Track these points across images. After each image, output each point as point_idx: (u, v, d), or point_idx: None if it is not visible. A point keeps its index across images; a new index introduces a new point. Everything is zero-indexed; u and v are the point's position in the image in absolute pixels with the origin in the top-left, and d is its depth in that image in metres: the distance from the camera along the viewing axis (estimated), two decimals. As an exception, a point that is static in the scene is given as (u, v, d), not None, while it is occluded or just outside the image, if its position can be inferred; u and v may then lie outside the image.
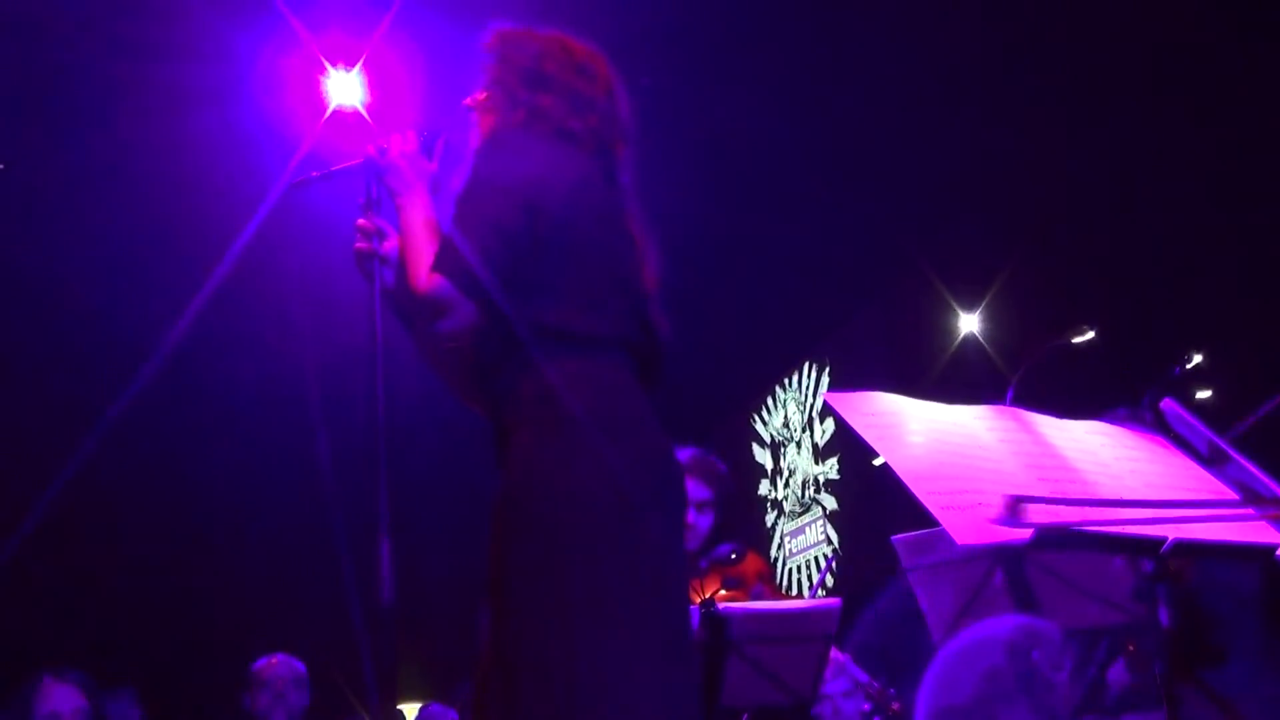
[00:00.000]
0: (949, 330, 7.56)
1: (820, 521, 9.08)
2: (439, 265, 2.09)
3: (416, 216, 2.18)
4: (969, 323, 7.43)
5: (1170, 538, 1.93)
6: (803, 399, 9.52)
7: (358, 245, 2.23)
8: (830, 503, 8.97)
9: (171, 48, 5.83)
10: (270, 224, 5.35)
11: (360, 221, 2.24)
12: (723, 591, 3.73)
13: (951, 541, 1.83)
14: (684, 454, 3.78)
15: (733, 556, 3.80)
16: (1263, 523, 2.09)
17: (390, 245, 2.28)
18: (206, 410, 7.78)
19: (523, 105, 2.29)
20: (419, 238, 2.15)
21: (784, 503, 9.72)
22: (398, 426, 2.06)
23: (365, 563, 1.93)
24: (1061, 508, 1.87)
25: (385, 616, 1.85)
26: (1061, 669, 2.21)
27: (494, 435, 2.19)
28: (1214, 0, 5.35)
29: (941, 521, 1.78)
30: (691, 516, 3.81)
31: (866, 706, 4.02)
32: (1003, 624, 2.34)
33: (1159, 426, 2.40)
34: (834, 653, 3.87)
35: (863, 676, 4.06)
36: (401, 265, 2.15)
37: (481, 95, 2.36)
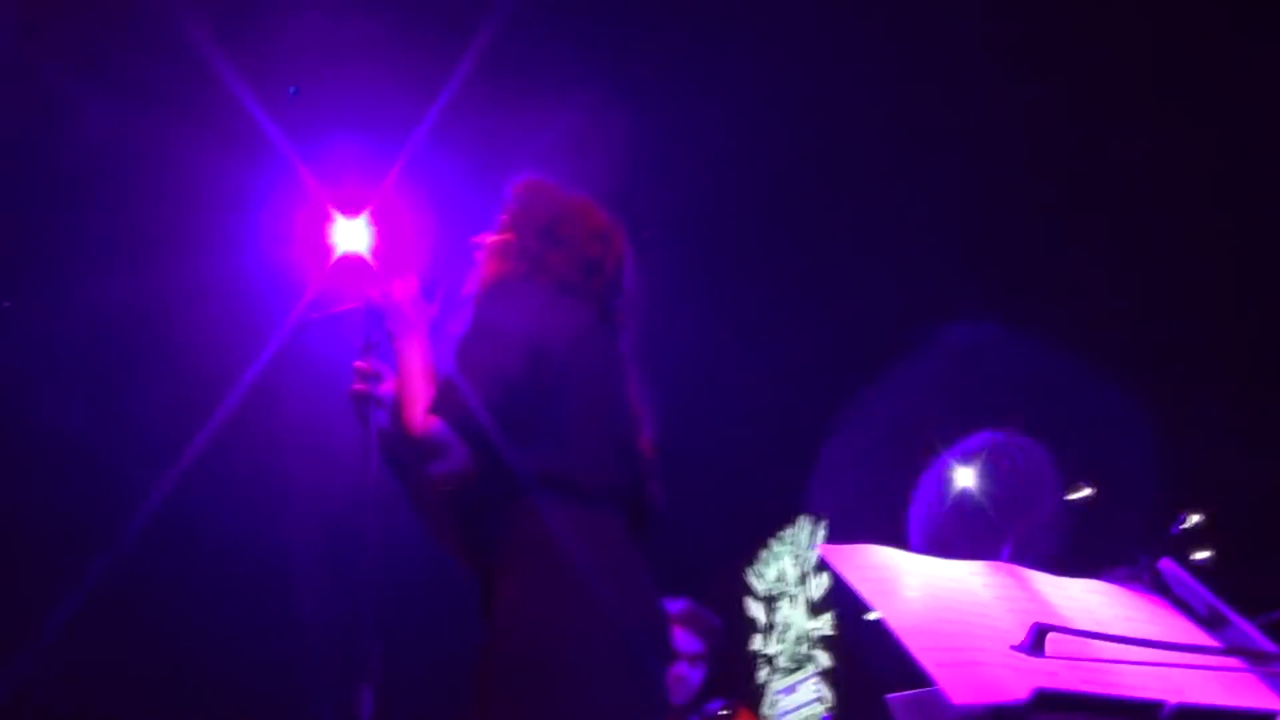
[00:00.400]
0: (944, 484, 7.54)
1: (814, 680, 8.89)
2: (436, 408, 2.09)
3: (414, 359, 2.20)
4: (965, 477, 7.42)
5: (1170, 701, 1.89)
6: (798, 553, 9.43)
7: (354, 387, 2.24)
8: (824, 659, 8.81)
9: (180, 195, 5.97)
10: (270, 368, 5.39)
11: (358, 363, 2.26)
12: None
13: (947, 701, 1.79)
14: (676, 605, 3.73)
15: (724, 713, 3.72)
16: (1264, 686, 2.05)
17: (387, 388, 2.28)
18: (194, 553, 7.69)
19: (533, 258, 2.32)
20: (415, 380, 2.16)
21: (777, 659, 9.54)
22: (386, 570, 2.04)
23: (345, 711, 1.88)
24: (1059, 667, 1.83)
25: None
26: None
27: (479, 583, 2.16)
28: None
29: (937, 680, 1.74)
30: (683, 669, 3.74)
31: None
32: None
33: (1157, 587, 2.37)
34: None
35: None
36: (396, 406, 2.15)
37: (492, 238, 2.39)
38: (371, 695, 1.82)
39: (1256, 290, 5.45)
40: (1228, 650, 2.13)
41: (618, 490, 2.20)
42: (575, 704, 1.97)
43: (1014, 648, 1.84)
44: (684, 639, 3.66)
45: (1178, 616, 2.26)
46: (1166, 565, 2.37)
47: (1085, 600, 2.14)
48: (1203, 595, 2.31)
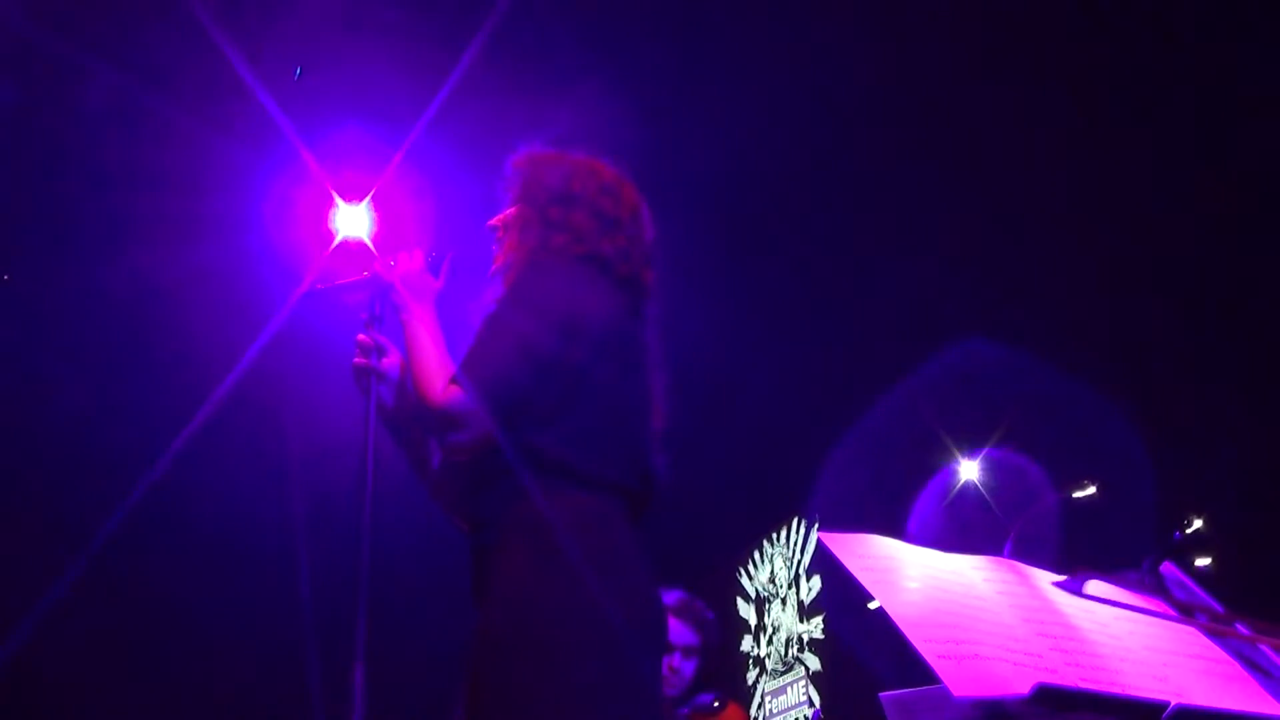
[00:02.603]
0: (949, 478, 7.54)
1: (803, 682, 8.88)
2: (458, 380, 2.08)
3: (423, 332, 2.18)
4: (969, 469, 7.41)
5: (1172, 703, 1.88)
6: (790, 555, 9.41)
7: (356, 360, 2.22)
8: (814, 663, 8.79)
9: (184, 178, 5.95)
10: (271, 347, 5.39)
11: (361, 336, 2.24)
12: None
13: (942, 694, 1.77)
14: (670, 596, 3.72)
15: (715, 705, 3.70)
16: (1262, 690, 2.04)
17: (389, 362, 2.27)
18: (192, 529, 7.70)
19: (555, 223, 2.30)
20: (431, 351, 2.15)
21: (766, 660, 9.52)
22: (381, 548, 2.02)
23: (338, 689, 1.86)
24: (1060, 664, 1.82)
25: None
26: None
27: (473, 558, 2.14)
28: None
29: (937, 671, 1.72)
30: (676, 661, 3.72)
31: None
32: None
33: (1158, 590, 2.36)
34: None
35: None
36: (412, 377, 2.13)
37: (511, 212, 2.37)
38: (364, 673, 1.80)
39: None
40: (1228, 656, 2.12)
41: (620, 480, 2.19)
42: (564, 689, 1.96)
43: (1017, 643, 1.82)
44: (678, 630, 3.64)
45: (1178, 619, 2.24)
46: (1168, 569, 2.36)
47: (1087, 600, 2.12)
48: (1203, 599, 2.29)
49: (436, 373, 2.10)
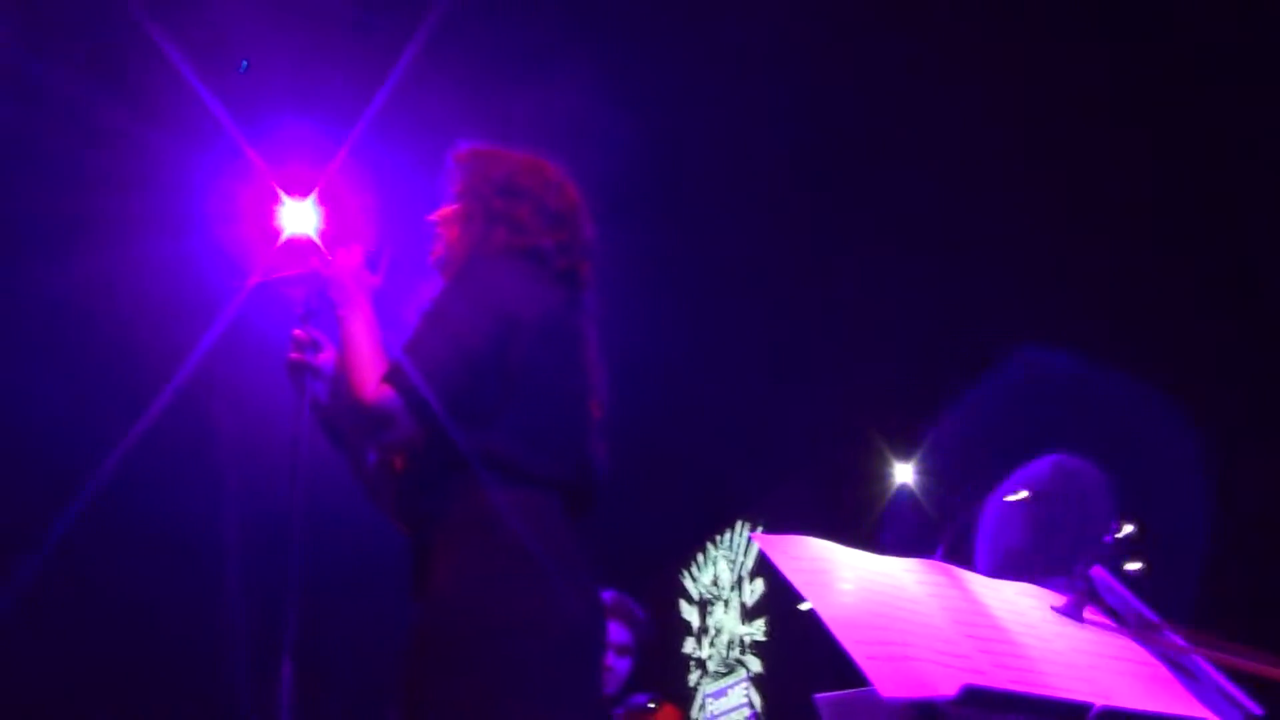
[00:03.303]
0: (883, 481, 7.60)
1: (744, 685, 8.91)
2: (391, 377, 2.06)
3: (360, 328, 2.16)
4: (904, 473, 7.47)
5: (1097, 705, 1.90)
6: (734, 557, 9.44)
7: (291, 355, 2.20)
8: (755, 665, 8.83)
9: (125, 176, 5.88)
10: (213, 344, 5.35)
11: (296, 331, 2.22)
12: None
13: (876, 696, 1.78)
14: (605, 595, 3.73)
15: (650, 705, 3.71)
16: (1188, 694, 2.07)
17: (325, 358, 2.25)
18: (125, 526, 7.60)
19: (499, 216, 2.30)
20: (365, 348, 2.13)
21: (708, 662, 9.55)
22: (313, 544, 2.00)
23: (266, 686, 1.85)
24: (988, 665, 1.84)
25: (283, 742, 1.76)
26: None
27: (413, 559, 2.13)
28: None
29: (866, 672, 1.73)
30: (610, 659, 3.74)
31: None
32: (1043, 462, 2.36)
33: (1088, 594, 2.39)
34: None
35: None
36: (344, 374, 2.11)
37: (454, 207, 2.37)
38: (292, 668, 1.78)
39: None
40: (1155, 660, 2.15)
41: (560, 476, 2.18)
42: (505, 689, 1.95)
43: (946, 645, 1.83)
44: (611, 629, 3.66)
45: (1108, 623, 2.27)
46: (1098, 573, 2.39)
47: (1017, 602, 2.15)
48: (1133, 604, 2.33)
49: (369, 370, 2.09)
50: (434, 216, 2.41)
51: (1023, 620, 2.09)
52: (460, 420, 2.09)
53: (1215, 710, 2.10)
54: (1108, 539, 3.27)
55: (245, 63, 5.52)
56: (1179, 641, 2.19)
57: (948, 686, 1.76)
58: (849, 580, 1.92)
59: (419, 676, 1.99)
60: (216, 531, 6.72)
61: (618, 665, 3.80)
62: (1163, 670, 2.13)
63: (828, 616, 1.81)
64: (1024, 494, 2.34)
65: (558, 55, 5.53)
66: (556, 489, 2.17)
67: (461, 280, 2.20)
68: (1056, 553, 2.24)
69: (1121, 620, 2.31)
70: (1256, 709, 2.14)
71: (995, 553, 2.34)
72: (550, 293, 2.27)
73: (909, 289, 6.68)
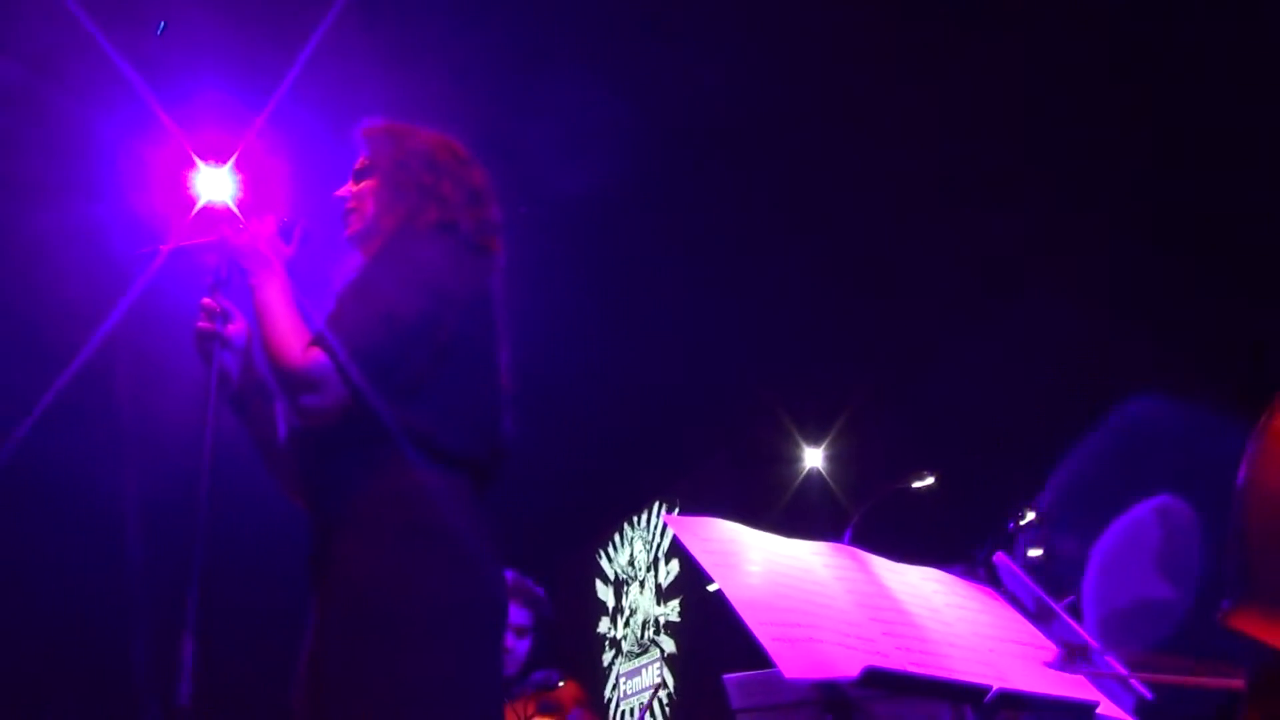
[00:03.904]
0: (795, 464, 7.68)
1: (658, 664, 8.97)
2: (320, 342, 2.03)
3: (276, 296, 2.12)
4: (814, 457, 7.55)
5: (995, 687, 1.94)
6: (650, 538, 9.49)
7: (200, 324, 2.16)
8: (669, 645, 8.88)
9: (35, 139, 5.73)
10: (121, 313, 5.24)
11: (205, 300, 2.18)
12: (539, 718, 3.64)
13: (780, 677, 1.80)
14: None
15: (561, 685, 3.72)
16: (1084, 680, 2.12)
17: (235, 329, 2.21)
18: (28, 499, 7.43)
19: (428, 192, 2.27)
20: (283, 315, 2.09)
21: (622, 642, 9.59)
22: (218, 520, 1.97)
23: (167, 661, 1.81)
24: (890, 648, 1.87)
25: (182, 718, 1.73)
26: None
27: (313, 535, 2.10)
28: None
29: (771, 653, 1.76)
30: (510, 640, 3.73)
31: None
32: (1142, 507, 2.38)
33: (990, 580, 2.44)
34: None
35: None
36: (266, 341, 2.07)
37: (374, 182, 2.33)
38: (193, 644, 1.76)
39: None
40: (1053, 645, 2.20)
41: (474, 455, 2.17)
42: (410, 671, 1.94)
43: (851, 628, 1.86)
44: (512, 611, 3.65)
45: (1007, 608, 2.32)
46: (1000, 559, 2.43)
47: (921, 587, 2.19)
48: (1033, 590, 2.37)
49: (293, 335, 2.05)
50: (341, 192, 2.37)
51: (926, 605, 2.13)
52: (388, 394, 2.07)
53: (1109, 695, 2.15)
54: (1010, 525, 3.36)
55: (163, 24, 5.39)
56: (1075, 627, 2.24)
57: (850, 668, 1.79)
58: (756, 563, 1.94)
59: (322, 659, 1.97)
60: (120, 504, 6.59)
61: (517, 646, 3.79)
62: (1060, 654, 2.18)
63: (735, 598, 1.83)
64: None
65: (477, 27, 5.48)
66: (468, 468, 2.16)
67: (391, 255, 2.17)
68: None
69: (1021, 605, 2.36)
70: (1149, 694, 2.20)
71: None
72: (477, 267, 2.26)
73: (824, 274, 6.74)
